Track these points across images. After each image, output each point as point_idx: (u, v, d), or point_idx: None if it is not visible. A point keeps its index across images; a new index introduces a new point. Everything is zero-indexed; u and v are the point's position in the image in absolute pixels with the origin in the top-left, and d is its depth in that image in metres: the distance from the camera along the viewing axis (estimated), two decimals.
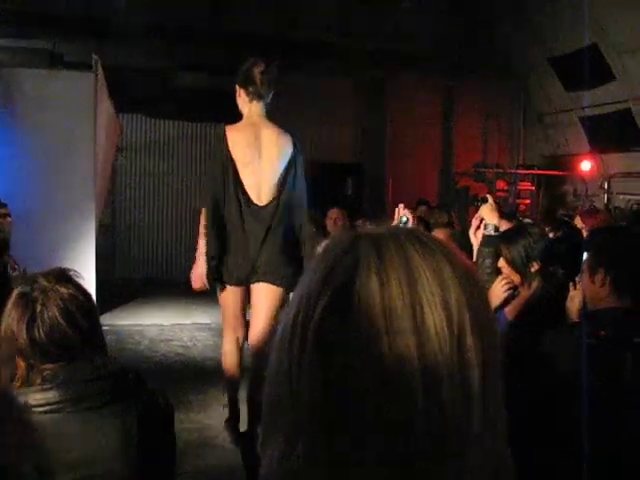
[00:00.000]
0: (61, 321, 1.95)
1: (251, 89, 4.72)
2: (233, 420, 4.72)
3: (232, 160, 4.48)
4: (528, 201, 14.20)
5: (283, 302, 4.59)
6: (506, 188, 14.31)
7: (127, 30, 9.70)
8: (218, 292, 4.73)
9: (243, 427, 4.68)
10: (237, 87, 4.77)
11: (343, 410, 0.67)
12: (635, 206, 11.38)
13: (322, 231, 6.54)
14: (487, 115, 14.73)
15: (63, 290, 2.00)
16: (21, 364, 1.96)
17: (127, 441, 2.00)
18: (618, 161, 12.02)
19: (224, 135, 4.62)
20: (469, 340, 0.70)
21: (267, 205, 4.50)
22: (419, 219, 7.79)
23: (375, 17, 12.84)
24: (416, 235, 0.75)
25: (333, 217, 6.87)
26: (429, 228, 6.43)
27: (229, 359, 4.90)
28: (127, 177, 12.89)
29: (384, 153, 14.09)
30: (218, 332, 8.48)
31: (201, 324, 8.90)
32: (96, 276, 8.35)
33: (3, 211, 6.24)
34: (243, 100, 4.77)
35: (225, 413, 4.81)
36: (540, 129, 14.20)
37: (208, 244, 4.38)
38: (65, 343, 1.96)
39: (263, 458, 0.75)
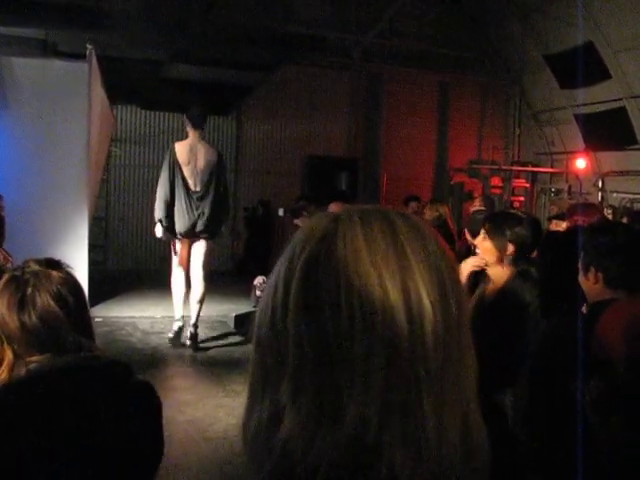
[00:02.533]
0: (53, 305, 1.91)
1: (191, 123, 7.65)
2: (180, 330, 7.47)
3: (178, 162, 7.45)
4: (522, 198, 14.22)
5: (210, 248, 7.64)
6: (501, 185, 14.34)
7: (122, 20, 9.66)
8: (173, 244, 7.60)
9: None
10: (185, 119, 7.80)
11: (328, 349, 0.68)
12: (628, 204, 11.40)
13: None
14: (482, 112, 14.75)
15: (55, 274, 1.97)
16: (8, 353, 1.93)
17: (112, 434, 1.97)
18: (612, 159, 12.04)
19: (173, 147, 7.64)
20: (452, 301, 0.72)
21: (199, 191, 7.42)
22: (414, 213, 7.78)
23: (372, 12, 12.82)
24: (398, 211, 0.77)
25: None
26: None
27: (179, 283, 7.62)
28: (121, 168, 12.86)
29: (379, 148, 14.08)
30: (210, 325, 8.49)
31: None
32: (89, 268, 8.32)
33: None
34: (189, 128, 7.68)
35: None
36: (535, 126, 14.21)
37: (157, 213, 7.39)
38: (57, 328, 1.92)
39: (249, 418, 0.76)
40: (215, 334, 8.09)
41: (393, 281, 0.68)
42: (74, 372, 1.94)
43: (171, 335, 7.47)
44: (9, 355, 1.93)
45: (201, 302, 7.61)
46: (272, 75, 11.83)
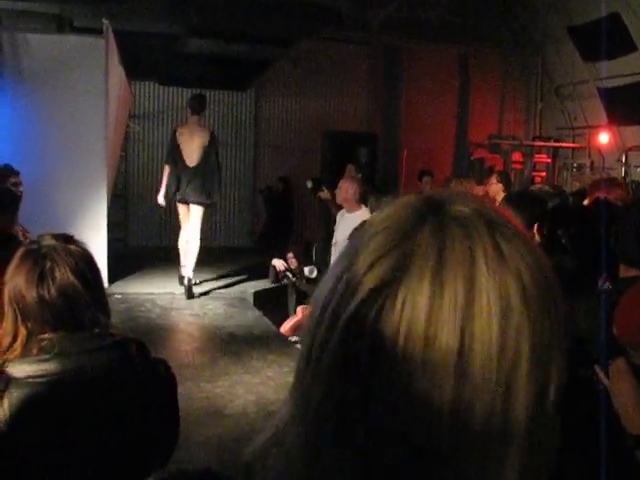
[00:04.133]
0: (73, 278, 1.89)
1: (190, 109, 8.98)
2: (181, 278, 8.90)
3: (177, 143, 8.73)
4: (544, 173, 14.03)
5: (201, 212, 8.78)
6: (522, 160, 14.14)
7: None
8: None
9: None
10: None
11: (350, 417, 0.59)
12: None
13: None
14: (503, 86, 14.54)
15: (73, 248, 1.95)
16: (22, 330, 1.90)
17: (128, 412, 1.95)
18: (636, 134, 11.82)
19: (175, 130, 8.96)
20: (522, 382, 0.60)
21: (193, 167, 8.64)
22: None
23: None
24: (491, 235, 0.61)
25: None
26: None
27: (182, 242, 8.93)
28: (139, 145, 12.84)
29: (398, 123, 13.95)
30: (229, 301, 8.49)
31: (212, 293, 8.88)
32: (108, 244, 8.33)
33: (14, 180, 6.17)
34: (188, 113, 9.07)
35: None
36: (557, 100, 13.98)
37: (166, 183, 8.77)
38: (75, 303, 1.89)
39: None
40: (234, 311, 8.08)
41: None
42: (90, 351, 1.91)
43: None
44: (23, 332, 1.90)
45: (193, 256, 8.72)
46: (290, 50, 11.70)
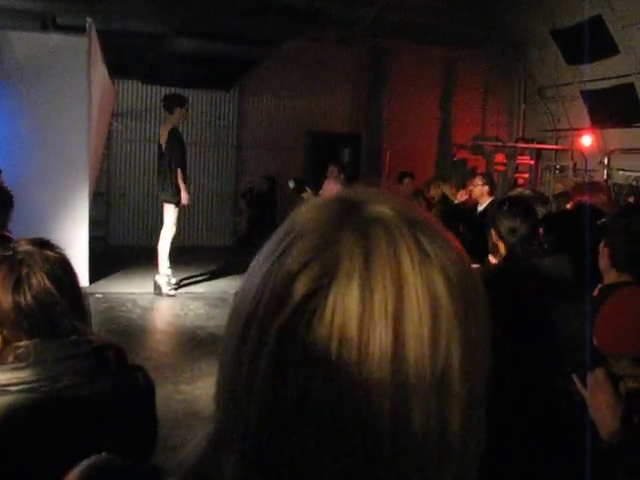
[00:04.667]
0: (49, 285, 1.85)
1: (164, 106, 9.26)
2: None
3: (159, 142, 9.00)
4: (527, 175, 14.11)
5: (168, 210, 8.85)
6: (505, 162, 14.22)
7: None
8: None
9: None
10: None
11: (293, 435, 0.57)
12: (634, 182, 11.30)
13: None
14: (487, 87, 14.60)
15: (50, 253, 1.92)
16: None
17: (104, 420, 1.93)
18: (619, 136, 11.90)
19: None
20: (455, 380, 0.59)
21: (160, 164, 8.94)
22: (417, 191, 7.70)
23: None
24: (413, 234, 0.60)
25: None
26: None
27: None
28: (122, 143, 12.77)
29: (382, 124, 13.96)
30: (211, 302, 8.46)
31: (194, 293, 8.85)
32: (89, 243, 8.28)
33: None
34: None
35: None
36: (540, 102, 14.06)
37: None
38: (52, 310, 1.86)
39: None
40: (215, 311, 8.05)
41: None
42: (66, 359, 1.89)
43: None
44: None
45: (159, 253, 8.84)
46: (275, 49, 11.68)
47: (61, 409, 1.87)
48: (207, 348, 6.63)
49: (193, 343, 6.92)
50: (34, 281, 1.85)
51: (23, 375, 1.81)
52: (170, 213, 8.81)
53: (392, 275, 0.57)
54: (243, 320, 0.61)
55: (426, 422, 0.57)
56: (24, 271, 1.85)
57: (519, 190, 8.50)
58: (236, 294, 0.65)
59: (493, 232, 3.36)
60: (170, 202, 8.75)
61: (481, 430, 0.63)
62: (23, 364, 1.82)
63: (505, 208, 3.44)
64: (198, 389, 5.46)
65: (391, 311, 0.56)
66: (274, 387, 0.58)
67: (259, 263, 0.63)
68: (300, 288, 0.57)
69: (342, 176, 9.13)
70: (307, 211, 0.64)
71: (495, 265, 3.45)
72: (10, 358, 1.83)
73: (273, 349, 0.57)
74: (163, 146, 8.78)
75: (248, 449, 0.60)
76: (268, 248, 0.64)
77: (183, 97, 9.24)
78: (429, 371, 0.57)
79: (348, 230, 0.60)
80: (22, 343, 1.85)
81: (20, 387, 1.81)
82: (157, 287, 8.67)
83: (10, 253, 1.90)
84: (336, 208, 0.62)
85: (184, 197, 8.69)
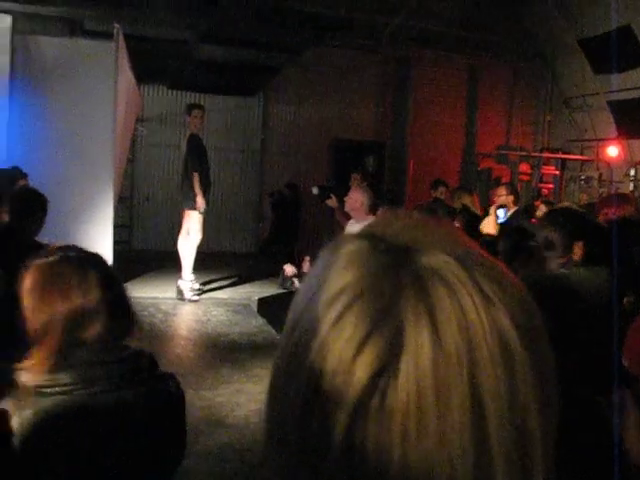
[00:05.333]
0: (98, 288, 1.89)
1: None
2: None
3: None
4: (551, 185, 14.00)
5: (191, 217, 8.88)
6: (529, 171, 14.12)
7: None
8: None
9: None
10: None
11: None
12: None
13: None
14: (512, 97, 14.53)
15: (98, 258, 1.97)
16: (49, 340, 1.88)
17: (136, 426, 1.93)
18: None
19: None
20: (535, 439, 0.56)
21: (181, 173, 9.13)
22: (440, 204, 7.64)
23: None
24: (471, 276, 0.56)
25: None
26: (452, 213, 6.30)
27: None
28: (147, 148, 12.85)
29: (406, 132, 13.93)
30: (234, 308, 8.46)
31: (216, 299, 8.86)
32: (113, 247, 8.32)
33: (23, 182, 6.16)
34: None
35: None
36: (566, 112, 13.96)
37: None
38: (95, 313, 1.88)
39: None
40: (238, 317, 8.06)
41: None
42: (100, 364, 1.89)
43: None
44: (50, 342, 1.88)
45: (182, 259, 8.91)
46: (299, 57, 11.70)
47: (94, 413, 1.88)
48: (229, 355, 6.63)
49: (215, 349, 6.92)
50: (86, 286, 1.87)
51: (58, 378, 1.82)
52: (195, 220, 8.82)
53: (461, 334, 0.54)
54: (299, 407, 0.56)
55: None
56: (75, 276, 1.88)
57: (565, 204, 8.37)
58: (276, 365, 0.60)
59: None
60: (193, 209, 8.77)
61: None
62: (58, 367, 1.83)
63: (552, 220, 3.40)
64: (219, 396, 5.45)
65: (466, 373, 0.53)
66: (350, 463, 0.53)
67: (301, 332, 0.58)
68: (366, 366, 0.53)
69: (365, 184, 9.10)
70: (348, 265, 0.58)
71: (535, 276, 3.37)
72: (48, 360, 1.84)
73: (343, 439, 0.53)
74: (185, 152, 8.89)
75: None
76: (307, 311, 0.58)
77: (192, 105, 9.42)
78: (510, 430, 0.54)
79: (406, 290, 0.55)
80: (58, 345, 1.85)
81: (55, 389, 1.82)
82: (179, 292, 8.69)
83: (59, 256, 1.92)
84: (386, 261, 0.57)
85: (199, 203, 8.70)
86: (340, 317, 0.55)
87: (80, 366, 1.85)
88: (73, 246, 2.02)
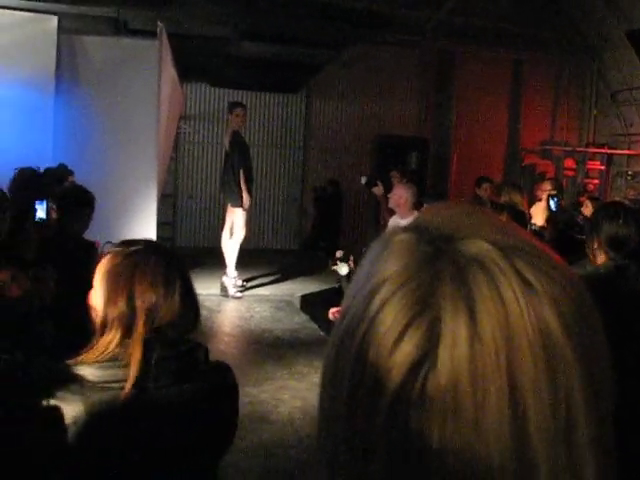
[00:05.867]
0: (181, 278, 1.92)
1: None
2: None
3: None
4: (597, 181, 13.76)
5: (236, 214, 8.91)
6: (574, 167, 13.89)
7: None
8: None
9: None
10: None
11: None
12: None
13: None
14: (557, 91, 14.30)
15: (171, 249, 2.03)
16: (114, 333, 1.88)
17: (194, 420, 1.95)
18: None
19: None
20: (581, 426, 0.54)
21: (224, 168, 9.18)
22: (490, 202, 7.54)
23: None
24: (511, 263, 0.55)
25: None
26: (499, 208, 6.20)
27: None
28: (190, 146, 12.94)
29: (449, 128, 13.81)
30: (276, 304, 8.48)
31: (259, 296, 8.89)
32: None
33: (71, 180, 6.26)
34: None
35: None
36: (612, 106, 13.69)
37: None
38: (156, 306, 1.88)
39: None
40: (281, 314, 8.07)
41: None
42: (163, 359, 1.89)
43: None
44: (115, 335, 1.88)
45: (226, 256, 9.03)
46: (341, 53, 11.66)
47: (156, 407, 1.89)
48: (272, 351, 6.65)
49: (258, 346, 6.94)
50: (171, 276, 1.89)
51: (119, 373, 1.82)
52: (239, 217, 8.87)
53: (500, 324, 0.53)
54: (345, 396, 0.57)
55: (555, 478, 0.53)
56: (161, 266, 1.89)
57: (617, 199, 8.21)
58: (327, 356, 0.60)
59: (595, 239, 3.18)
60: (237, 206, 8.81)
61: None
62: (119, 362, 1.83)
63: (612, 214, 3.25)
64: (264, 392, 5.46)
65: (504, 364, 0.52)
66: (390, 466, 0.54)
67: (348, 321, 0.58)
68: (405, 357, 0.53)
69: (405, 181, 9.03)
70: (393, 255, 0.58)
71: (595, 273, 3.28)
72: (107, 354, 1.84)
73: (384, 428, 0.54)
74: (227, 150, 8.94)
75: None
76: (354, 302, 0.58)
77: (234, 103, 9.43)
78: (551, 422, 0.53)
79: (445, 279, 0.54)
80: (121, 340, 1.85)
81: (120, 384, 1.82)
82: (223, 288, 8.75)
83: (142, 246, 1.92)
84: (425, 249, 0.57)
85: (245, 200, 8.73)
86: (382, 307, 0.55)
87: (144, 361, 1.84)
88: (141, 239, 2.02)
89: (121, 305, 1.84)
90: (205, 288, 8.94)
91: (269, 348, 6.77)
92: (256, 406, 5.17)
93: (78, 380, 1.80)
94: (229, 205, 8.98)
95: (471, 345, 0.52)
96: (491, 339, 0.52)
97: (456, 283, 0.54)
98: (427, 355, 0.52)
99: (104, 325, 1.87)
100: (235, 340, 7.25)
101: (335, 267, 7.59)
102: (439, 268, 0.55)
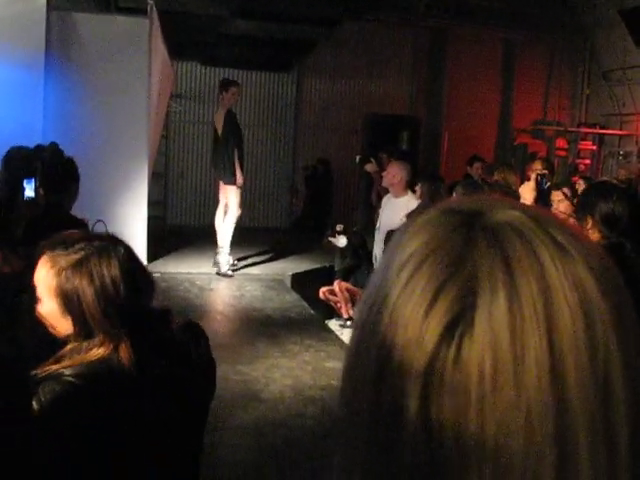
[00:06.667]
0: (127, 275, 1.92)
1: None
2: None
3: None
4: (588, 161, 13.78)
5: (230, 192, 8.78)
6: (566, 147, 13.92)
7: None
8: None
9: None
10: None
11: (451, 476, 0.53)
12: None
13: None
14: (549, 71, 14.27)
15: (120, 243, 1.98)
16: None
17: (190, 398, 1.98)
18: None
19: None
20: (619, 389, 0.53)
21: (218, 145, 8.88)
22: (482, 181, 7.55)
23: None
24: (547, 232, 0.55)
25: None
26: (489, 187, 6.22)
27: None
28: (180, 124, 12.88)
29: (441, 107, 13.78)
30: (267, 283, 8.49)
31: (250, 274, 8.89)
32: (148, 223, 8.37)
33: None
34: None
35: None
36: (605, 86, 13.68)
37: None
38: (135, 297, 1.92)
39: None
40: (272, 293, 8.08)
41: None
42: (155, 344, 1.94)
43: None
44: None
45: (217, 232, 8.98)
46: (333, 31, 11.60)
47: (155, 392, 1.91)
48: (264, 330, 6.67)
49: (250, 324, 6.96)
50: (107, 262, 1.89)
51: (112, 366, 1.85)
52: (233, 195, 8.82)
53: (537, 279, 0.53)
54: (371, 379, 0.56)
55: (593, 442, 0.53)
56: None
57: (604, 178, 8.23)
58: (352, 339, 0.59)
59: (588, 218, 3.17)
60: (231, 183, 8.76)
61: None
62: (113, 359, 1.86)
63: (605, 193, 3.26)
64: (255, 370, 5.49)
65: (543, 320, 0.52)
66: (426, 430, 0.53)
67: (378, 298, 0.57)
68: (439, 323, 0.52)
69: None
70: (419, 231, 0.57)
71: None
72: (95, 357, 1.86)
73: (420, 397, 0.52)
74: (219, 129, 8.80)
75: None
76: (380, 283, 0.57)
77: (228, 81, 9.24)
78: (591, 381, 0.52)
79: (477, 239, 0.54)
80: (112, 332, 1.87)
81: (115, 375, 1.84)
82: (216, 263, 8.75)
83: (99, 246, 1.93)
84: (453, 220, 0.57)
85: (239, 178, 8.71)
86: (409, 280, 0.54)
87: (137, 349, 1.87)
88: (107, 234, 2.04)
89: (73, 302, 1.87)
90: (196, 267, 8.96)
91: (260, 327, 6.79)
92: (247, 384, 5.20)
93: (66, 375, 1.81)
94: (222, 183, 8.93)
95: (510, 304, 0.52)
96: (529, 294, 0.52)
97: (491, 245, 0.54)
98: (462, 315, 0.52)
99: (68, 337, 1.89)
100: (226, 319, 7.27)
101: (333, 239, 7.64)
102: (471, 234, 0.55)
